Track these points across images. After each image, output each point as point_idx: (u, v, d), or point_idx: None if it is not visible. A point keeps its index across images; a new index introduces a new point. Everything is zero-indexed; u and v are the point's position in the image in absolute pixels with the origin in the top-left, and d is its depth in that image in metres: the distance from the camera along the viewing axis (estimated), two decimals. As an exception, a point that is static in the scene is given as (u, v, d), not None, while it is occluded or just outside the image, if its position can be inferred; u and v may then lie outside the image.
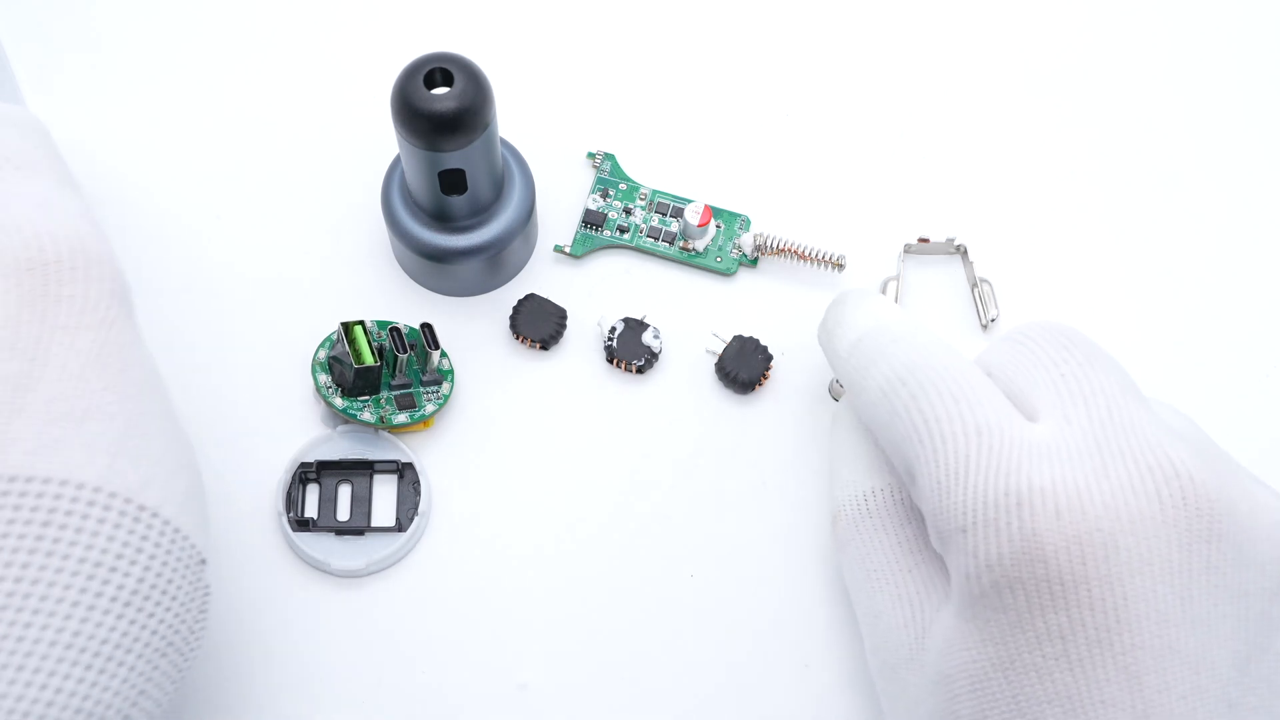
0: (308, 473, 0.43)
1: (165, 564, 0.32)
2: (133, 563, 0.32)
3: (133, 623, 0.32)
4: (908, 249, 0.47)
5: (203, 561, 0.34)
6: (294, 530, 0.43)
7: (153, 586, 0.32)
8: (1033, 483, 0.32)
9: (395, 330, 0.43)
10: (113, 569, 0.31)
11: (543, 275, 0.47)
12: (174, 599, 0.33)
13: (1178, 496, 0.32)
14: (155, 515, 0.32)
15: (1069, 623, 0.32)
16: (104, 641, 0.31)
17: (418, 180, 0.43)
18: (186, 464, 0.34)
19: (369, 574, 0.43)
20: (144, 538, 0.32)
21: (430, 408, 0.43)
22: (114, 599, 0.31)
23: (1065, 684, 0.32)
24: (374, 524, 0.43)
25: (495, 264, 0.45)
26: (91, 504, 0.31)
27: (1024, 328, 0.38)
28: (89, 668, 0.31)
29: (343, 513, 0.43)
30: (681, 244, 0.47)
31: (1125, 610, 0.31)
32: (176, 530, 0.33)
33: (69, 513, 0.31)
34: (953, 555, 0.34)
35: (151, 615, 0.32)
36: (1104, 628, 0.31)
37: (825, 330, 0.41)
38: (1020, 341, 0.37)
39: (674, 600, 0.43)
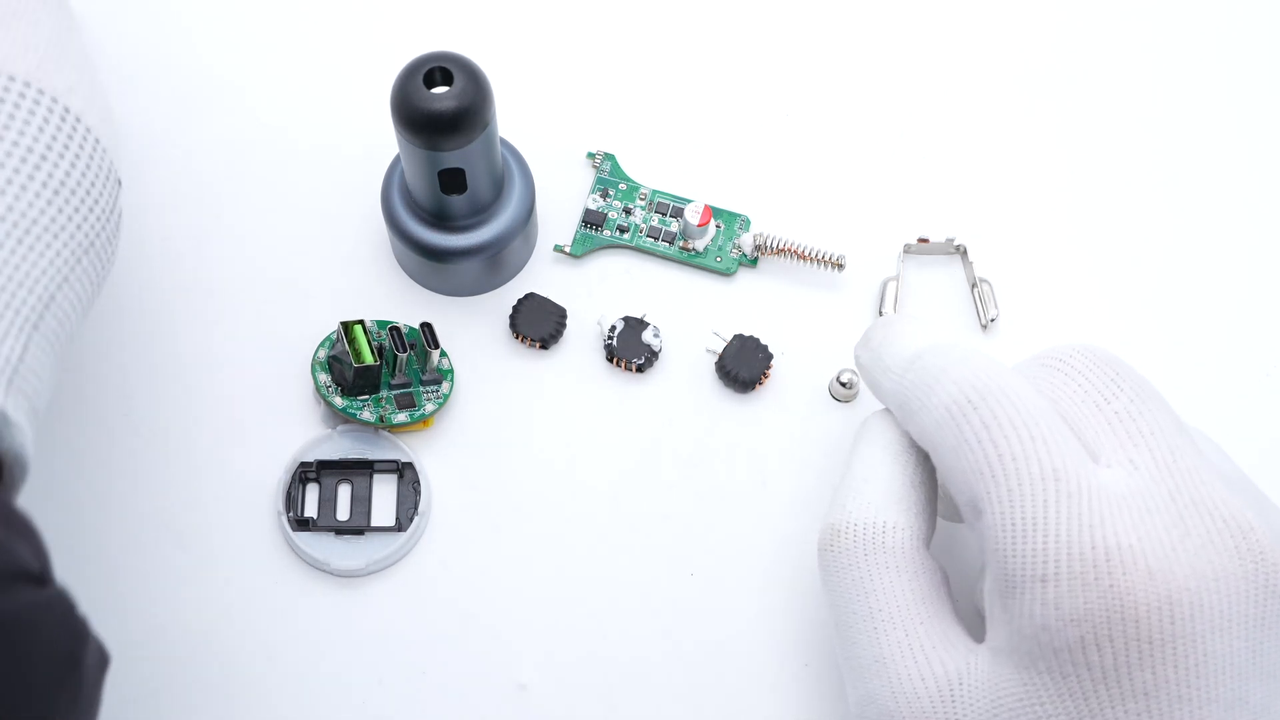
0: (307, 472, 0.43)
1: (88, 169, 0.35)
2: (60, 157, 0.34)
3: (60, 211, 0.34)
4: (908, 249, 0.47)
5: (119, 183, 0.36)
6: (294, 530, 0.43)
7: (78, 184, 0.34)
8: (1120, 539, 0.32)
9: (395, 330, 0.43)
10: (43, 158, 0.34)
11: (543, 275, 0.47)
12: (94, 205, 0.35)
13: (1254, 553, 0.32)
14: (79, 121, 0.35)
15: (1154, 680, 0.31)
16: (35, 221, 0.33)
17: (418, 180, 0.43)
18: (102, 91, 0.36)
19: (369, 574, 0.43)
20: (69, 137, 0.34)
21: (430, 407, 0.43)
22: (44, 185, 0.33)
23: None
24: (374, 524, 0.43)
25: (495, 264, 0.45)
26: (23, 96, 0.34)
27: (1062, 353, 0.37)
28: (21, 241, 0.33)
29: (342, 512, 0.43)
30: (681, 244, 0.47)
31: (1205, 666, 0.32)
32: (98, 141, 0.35)
33: (2, 101, 0.33)
34: (1022, 602, 0.32)
35: (76, 211, 0.34)
36: (1185, 683, 0.32)
37: (871, 347, 0.39)
38: (1063, 370, 0.36)
39: (674, 600, 0.43)
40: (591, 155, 0.48)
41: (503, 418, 0.45)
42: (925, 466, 0.38)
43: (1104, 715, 0.32)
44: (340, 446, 0.44)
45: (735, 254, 0.47)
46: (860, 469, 0.38)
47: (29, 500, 0.43)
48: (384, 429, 0.44)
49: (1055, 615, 0.32)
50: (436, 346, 0.43)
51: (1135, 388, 0.36)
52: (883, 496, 0.37)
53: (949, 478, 0.35)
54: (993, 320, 0.46)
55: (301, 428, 0.44)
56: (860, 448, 0.39)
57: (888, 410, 0.39)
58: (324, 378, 0.43)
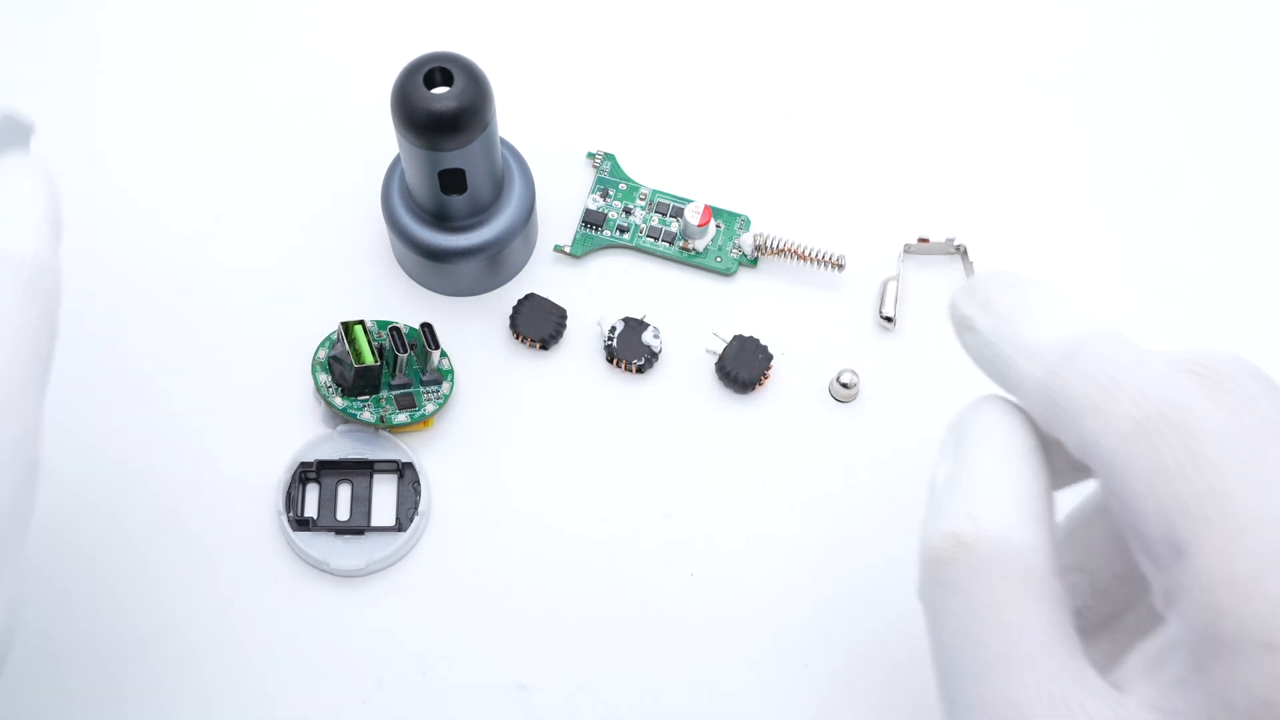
0: (308, 472, 0.43)
1: None
2: None
3: None
4: (908, 249, 0.47)
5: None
6: (294, 530, 0.43)
7: None
8: None
9: (395, 330, 0.43)
10: None
11: (543, 275, 0.47)
12: None
13: None
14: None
15: None
16: None
17: (418, 180, 0.43)
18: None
19: (369, 574, 0.43)
20: None
21: (430, 407, 0.43)
22: None
23: None
24: (374, 524, 0.43)
25: (495, 264, 0.45)
26: None
27: (1207, 361, 0.30)
28: None
29: (343, 512, 0.43)
30: (681, 244, 0.47)
31: None
32: None
33: None
34: (1236, 671, 0.27)
35: None
36: None
37: (997, 313, 0.32)
38: (1217, 382, 0.30)
39: (674, 600, 0.43)
40: (591, 155, 0.48)
41: (503, 418, 0.45)
42: (1049, 476, 0.32)
43: None
44: (340, 446, 0.44)
45: (735, 254, 0.47)
46: (984, 469, 0.31)
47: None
48: (384, 429, 0.44)
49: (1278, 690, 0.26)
50: (437, 347, 0.43)
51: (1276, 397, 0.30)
52: (1018, 507, 0.30)
53: (1134, 508, 0.28)
54: (993, 320, 0.46)
55: (301, 428, 0.44)
56: (978, 441, 0.31)
57: (1006, 399, 0.32)
58: (324, 378, 0.43)
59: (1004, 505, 0.30)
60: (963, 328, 0.33)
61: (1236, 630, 0.27)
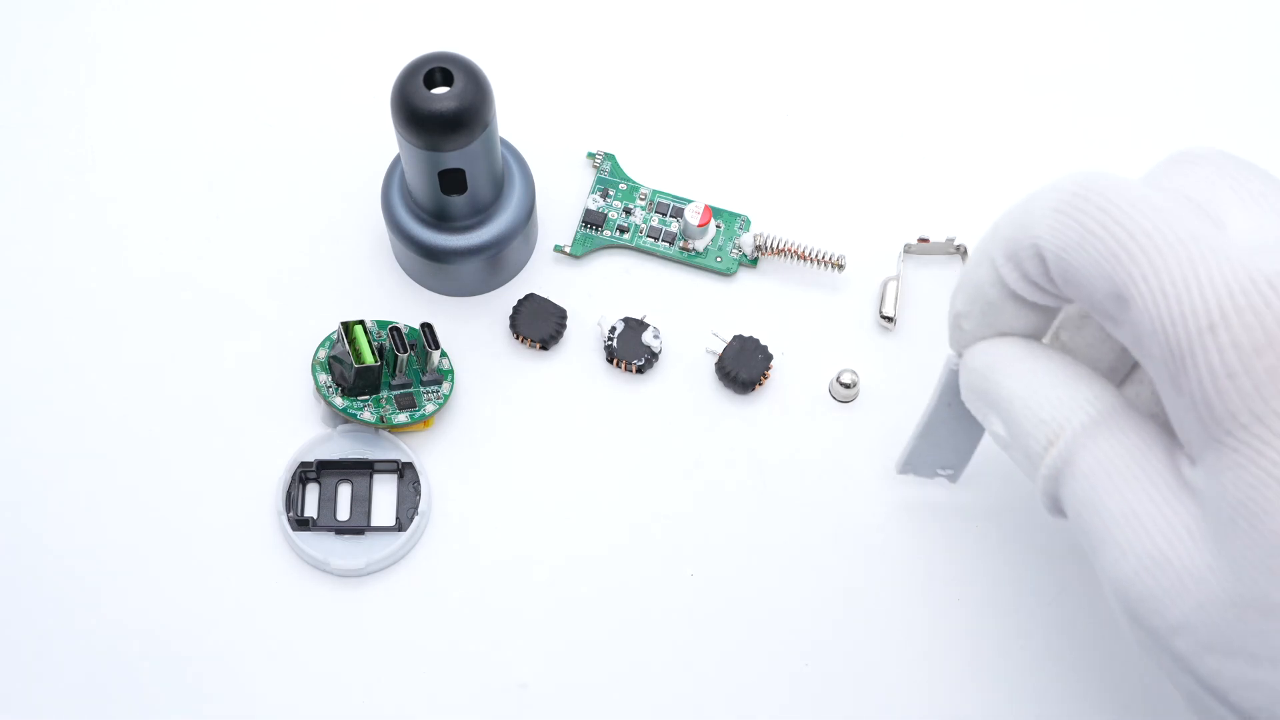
0: (308, 472, 0.43)
1: None
2: None
3: None
4: (908, 249, 0.47)
5: None
6: (294, 530, 0.43)
7: None
8: (1278, 268, 0.30)
9: (395, 330, 0.43)
10: None
11: (543, 275, 0.47)
12: None
13: None
14: None
15: None
16: None
17: (418, 180, 0.43)
18: None
19: (369, 573, 0.43)
20: None
21: (430, 407, 0.43)
22: None
23: None
24: (374, 523, 0.43)
25: (495, 264, 0.45)
26: None
27: (1189, 151, 0.35)
28: None
29: (343, 512, 0.43)
30: (681, 244, 0.47)
31: None
32: None
33: None
34: (1199, 365, 0.30)
35: None
36: None
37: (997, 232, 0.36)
38: (1192, 161, 0.35)
39: (674, 600, 0.43)
40: (591, 155, 0.48)
41: (503, 418, 0.45)
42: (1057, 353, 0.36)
43: None
44: (340, 446, 0.44)
45: (735, 254, 0.47)
46: (1038, 376, 0.35)
47: (30, 500, 0.44)
48: (384, 429, 0.44)
49: (1238, 356, 0.30)
50: (437, 347, 0.43)
51: (1268, 175, 0.34)
52: (1087, 381, 0.34)
53: (1081, 283, 0.32)
54: (993, 320, 0.46)
55: (301, 428, 0.44)
56: (1015, 363, 0.36)
57: (971, 347, 0.37)
58: (324, 378, 0.43)
59: (1074, 387, 0.34)
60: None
61: (1184, 332, 0.30)
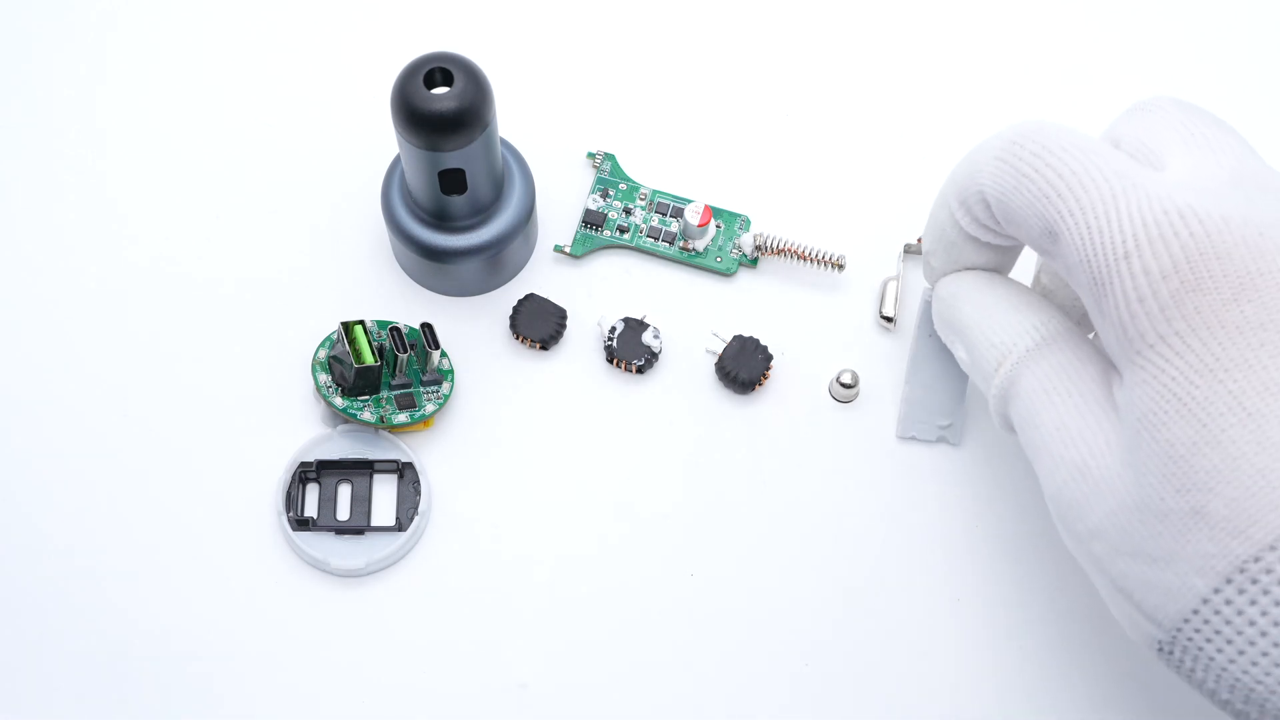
0: (308, 472, 0.43)
1: None
2: None
3: None
4: (908, 249, 0.47)
5: None
6: (294, 530, 0.43)
7: None
8: (1192, 203, 0.33)
9: (395, 330, 0.43)
10: None
11: (543, 275, 0.47)
12: None
13: None
14: None
15: (1264, 312, 0.32)
16: None
17: (418, 180, 0.43)
18: None
19: (369, 573, 0.43)
20: None
21: (430, 407, 0.43)
22: None
23: (1276, 373, 0.32)
24: (374, 523, 0.43)
25: (495, 264, 0.45)
26: None
27: (1148, 100, 0.38)
28: None
29: (343, 512, 0.43)
30: (681, 244, 0.47)
31: None
32: None
33: None
34: (1114, 289, 0.33)
35: None
36: None
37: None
38: (1146, 109, 0.38)
39: (674, 600, 0.43)
40: (591, 155, 0.48)
41: (503, 418, 0.45)
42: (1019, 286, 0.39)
43: (1228, 356, 0.32)
44: (340, 446, 0.44)
45: (735, 254, 0.47)
46: (984, 308, 0.39)
47: (30, 500, 0.44)
48: (384, 429, 0.44)
49: (1145, 282, 0.33)
50: (437, 347, 0.43)
51: (1215, 119, 0.37)
52: (1032, 308, 0.38)
53: (1016, 223, 0.36)
54: (993, 320, 0.46)
55: (301, 428, 0.44)
56: (967, 298, 0.39)
57: (941, 281, 0.41)
58: (324, 378, 0.43)
59: (1019, 315, 0.38)
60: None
61: (1103, 261, 0.33)
